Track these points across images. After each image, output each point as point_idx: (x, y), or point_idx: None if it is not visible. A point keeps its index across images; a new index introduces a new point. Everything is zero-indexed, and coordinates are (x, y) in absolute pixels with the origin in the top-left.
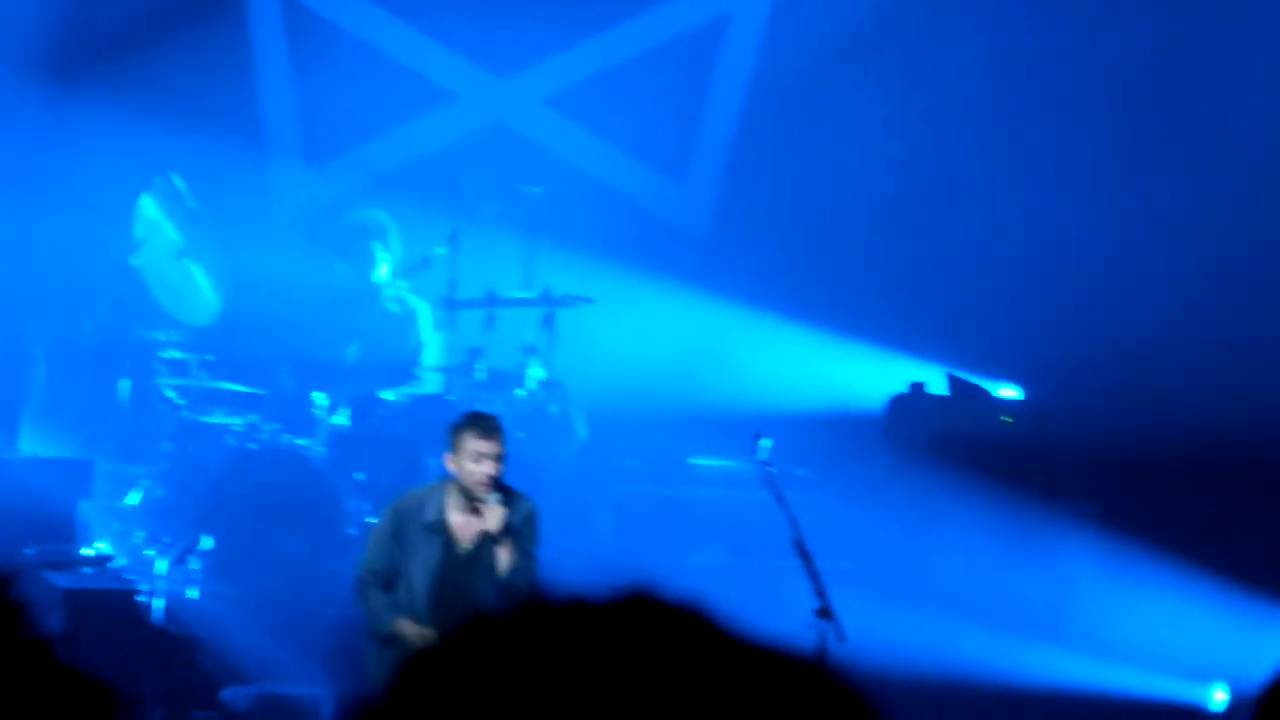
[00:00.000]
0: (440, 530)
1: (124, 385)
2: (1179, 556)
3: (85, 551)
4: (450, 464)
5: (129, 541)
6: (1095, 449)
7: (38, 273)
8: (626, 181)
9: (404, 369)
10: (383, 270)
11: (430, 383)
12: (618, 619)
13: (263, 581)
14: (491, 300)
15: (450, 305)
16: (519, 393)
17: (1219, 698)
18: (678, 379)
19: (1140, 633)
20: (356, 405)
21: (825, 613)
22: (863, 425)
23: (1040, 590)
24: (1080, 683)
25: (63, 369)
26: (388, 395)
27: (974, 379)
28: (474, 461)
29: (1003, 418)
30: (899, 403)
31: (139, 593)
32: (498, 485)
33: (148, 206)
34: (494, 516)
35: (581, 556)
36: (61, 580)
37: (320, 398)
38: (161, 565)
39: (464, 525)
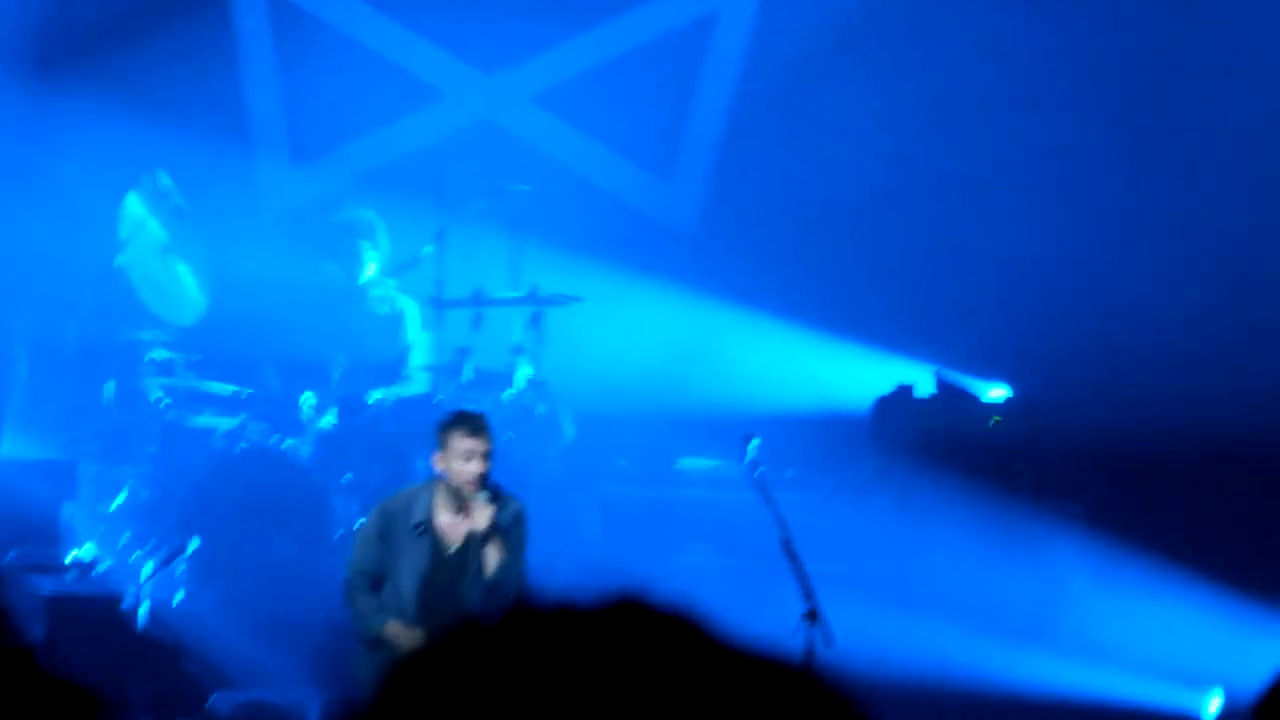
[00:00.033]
0: (428, 531)
1: (109, 386)
2: (1170, 558)
3: (69, 556)
4: (438, 463)
5: (114, 545)
6: (1084, 449)
7: (20, 272)
8: (614, 180)
9: (392, 369)
10: (370, 270)
11: (418, 383)
12: (606, 624)
13: (249, 584)
14: (479, 299)
15: (438, 305)
16: (507, 393)
17: (1214, 705)
18: (666, 379)
19: (1132, 637)
20: (344, 406)
21: (813, 615)
22: (851, 426)
23: (1029, 593)
24: (1071, 688)
25: (46, 370)
26: (376, 396)
27: (963, 377)
28: (462, 460)
29: (992, 419)
30: (885, 404)
31: (123, 598)
32: (486, 484)
33: (133, 205)
34: (482, 515)
35: (569, 557)
36: (45, 585)
37: (308, 398)
38: (147, 569)
39: (452, 526)
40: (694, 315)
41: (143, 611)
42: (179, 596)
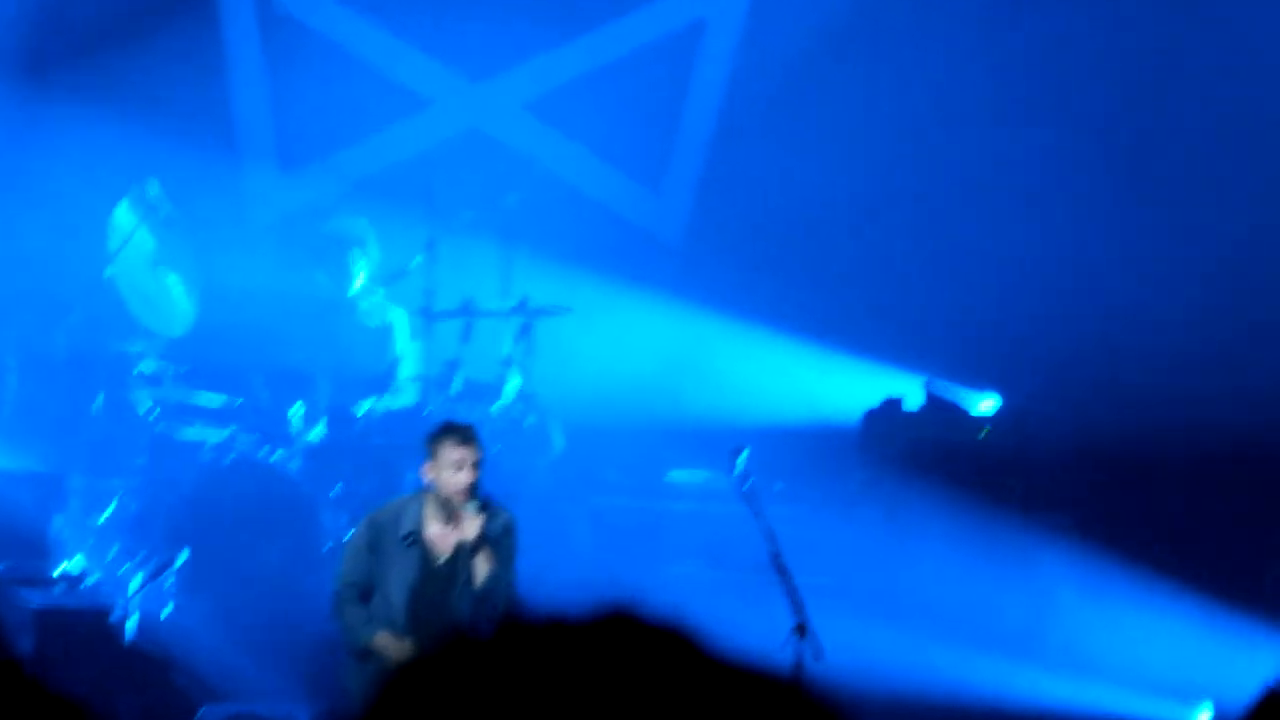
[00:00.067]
0: (417, 541)
1: (98, 398)
2: (1159, 570)
3: (58, 569)
4: (428, 473)
5: (102, 557)
6: (1073, 461)
7: (10, 283)
8: (603, 190)
9: (381, 380)
10: (360, 280)
11: (408, 394)
12: (598, 637)
13: (239, 597)
14: (469, 310)
15: (427, 315)
16: (496, 404)
17: (1203, 718)
18: (655, 391)
19: (1120, 649)
20: (333, 417)
21: (802, 629)
22: (840, 438)
23: (1018, 605)
24: (1060, 701)
25: (35, 381)
26: (365, 407)
27: (952, 388)
28: (452, 470)
29: (981, 430)
30: (874, 416)
31: (111, 611)
32: (475, 494)
33: (123, 216)
34: (471, 525)
35: (558, 569)
36: (33, 598)
37: (297, 410)
38: (136, 581)
39: (441, 536)
40: (683, 327)
41: (131, 624)
42: (168, 609)
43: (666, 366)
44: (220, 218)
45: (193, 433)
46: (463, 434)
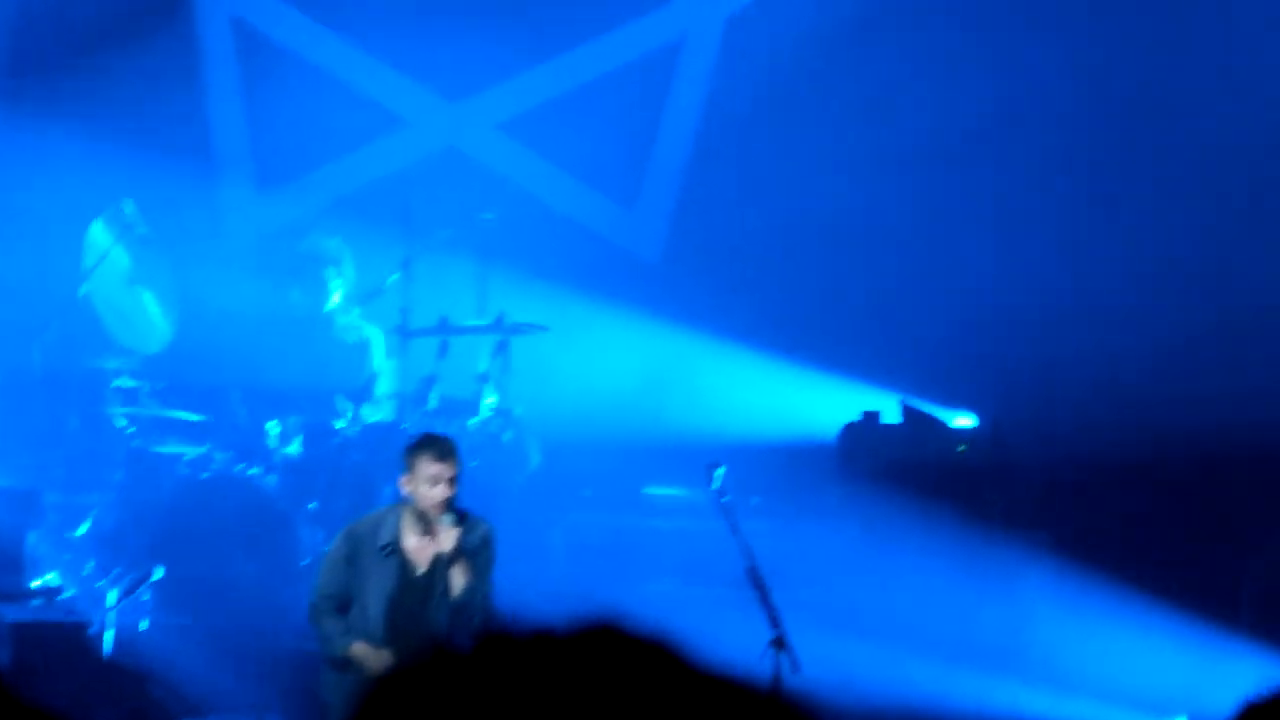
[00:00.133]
0: (395, 552)
1: (73, 414)
2: (1138, 585)
3: (34, 583)
4: (405, 486)
5: (79, 573)
6: (1050, 477)
7: None
8: (579, 208)
9: (358, 397)
10: (336, 298)
11: (384, 411)
12: (583, 650)
13: (215, 612)
14: (445, 328)
15: (403, 333)
16: (472, 421)
17: None
18: (631, 407)
19: (1098, 664)
20: (309, 434)
21: (780, 643)
22: (817, 454)
23: (997, 620)
24: (1038, 715)
25: (10, 398)
26: (341, 424)
27: (930, 406)
28: (428, 484)
29: (959, 447)
30: (852, 431)
31: (89, 625)
32: (452, 508)
33: (98, 233)
34: (448, 538)
35: (534, 585)
36: (10, 613)
37: (273, 426)
38: (112, 596)
39: (419, 549)
40: (659, 343)
41: (109, 638)
42: (144, 623)
43: (643, 383)
44: (196, 236)
45: (169, 448)
46: (440, 448)
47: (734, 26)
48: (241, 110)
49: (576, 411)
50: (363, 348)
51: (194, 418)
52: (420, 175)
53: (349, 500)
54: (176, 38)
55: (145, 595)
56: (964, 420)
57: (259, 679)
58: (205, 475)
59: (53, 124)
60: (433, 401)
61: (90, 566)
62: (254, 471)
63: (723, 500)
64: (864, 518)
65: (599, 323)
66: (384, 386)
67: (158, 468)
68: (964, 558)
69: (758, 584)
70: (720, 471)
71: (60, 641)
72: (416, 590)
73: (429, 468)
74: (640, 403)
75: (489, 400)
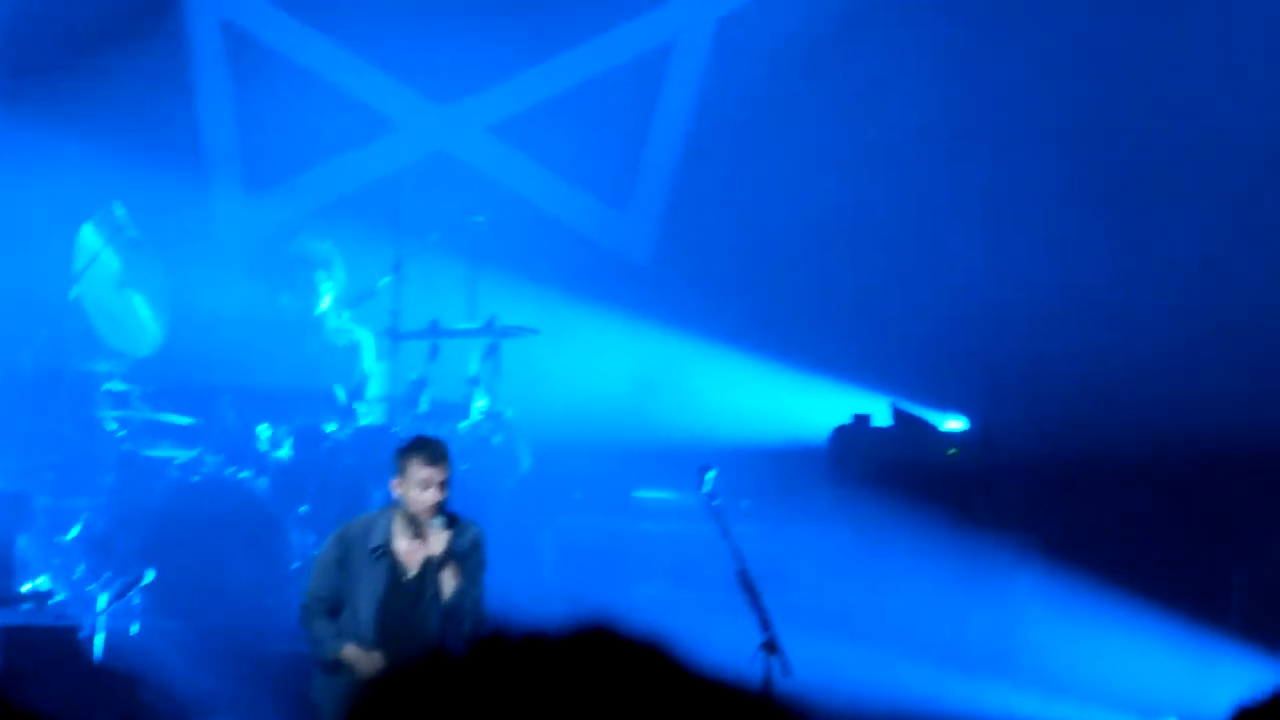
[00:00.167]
0: (386, 555)
1: (64, 418)
2: (1128, 588)
3: (24, 587)
4: (396, 489)
5: (69, 576)
6: (1041, 479)
7: None
8: (570, 211)
9: (348, 400)
10: (326, 301)
11: (374, 414)
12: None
13: (206, 616)
14: (435, 331)
15: (394, 336)
16: (463, 424)
17: None
18: (622, 410)
19: (1089, 667)
20: (300, 437)
21: (771, 646)
22: (808, 457)
23: (988, 623)
24: (1030, 718)
25: (0, 401)
26: (331, 427)
27: (920, 409)
28: (419, 488)
29: (949, 450)
30: (842, 434)
31: (79, 629)
32: (442, 511)
33: (88, 236)
34: (438, 541)
35: (525, 589)
36: (0, 617)
37: (263, 430)
38: (103, 600)
39: (410, 551)
40: (650, 346)
41: (99, 642)
42: (135, 627)
43: (634, 386)
44: (187, 238)
45: (159, 452)
46: (432, 453)
47: (724, 28)
48: (232, 113)
49: (567, 414)
50: (353, 350)
51: (185, 421)
52: (411, 178)
53: (340, 504)
54: (167, 40)
55: (136, 599)
56: (954, 423)
57: (250, 682)
58: (196, 479)
59: (42, 126)
60: (423, 405)
61: (81, 570)
62: (245, 475)
63: (713, 503)
64: (855, 521)
65: (590, 326)
66: (375, 389)
67: (148, 471)
68: (955, 561)
69: (748, 587)
70: (711, 474)
71: (50, 645)
72: (407, 593)
73: (420, 472)
74: (631, 406)
75: (479, 403)
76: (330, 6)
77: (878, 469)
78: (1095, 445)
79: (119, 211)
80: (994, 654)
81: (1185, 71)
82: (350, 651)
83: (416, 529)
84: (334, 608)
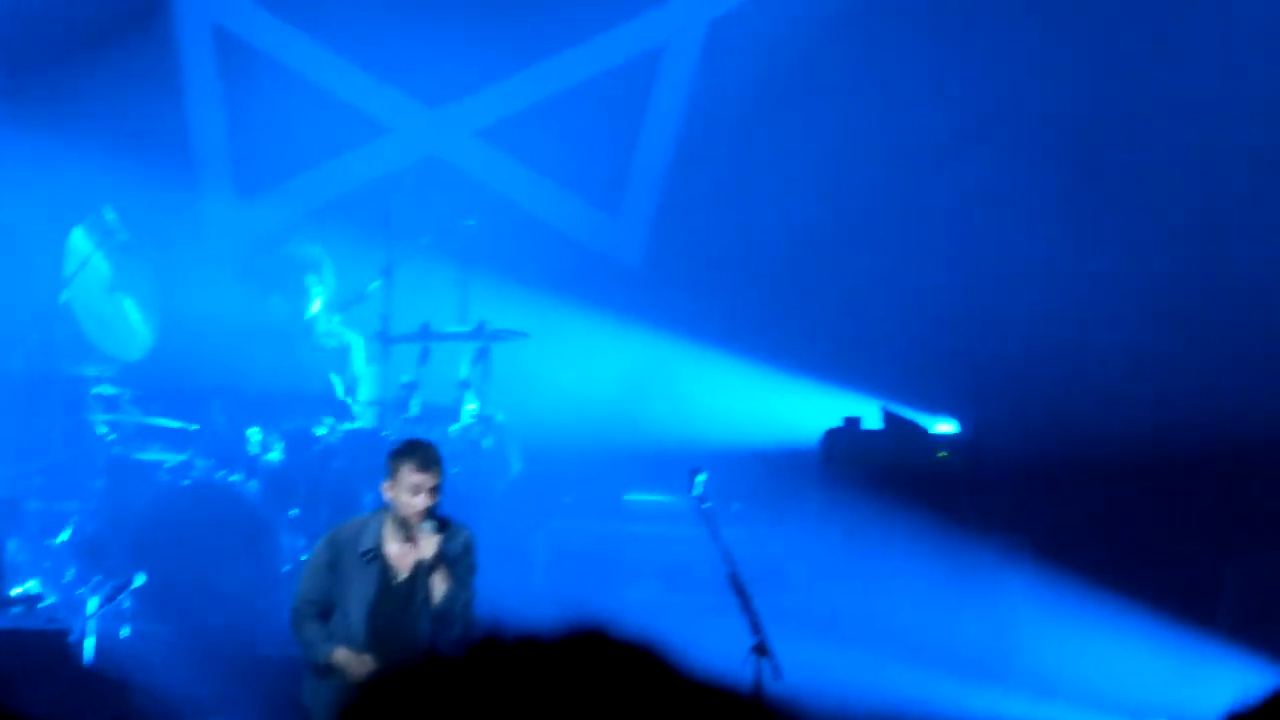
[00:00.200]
0: (377, 558)
1: (54, 421)
2: (1118, 590)
3: (14, 591)
4: (387, 491)
5: (59, 580)
6: (1032, 482)
7: None
8: (560, 215)
9: (339, 403)
10: (317, 305)
11: (365, 418)
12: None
13: (197, 619)
14: (426, 334)
15: (384, 339)
16: (453, 428)
17: None
18: (612, 414)
19: (1081, 669)
20: (290, 441)
21: (761, 649)
22: (798, 460)
23: (978, 625)
24: None
25: None
26: (322, 430)
27: (910, 412)
28: (410, 493)
29: (939, 453)
30: (833, 437)
31: (70, 632)
32: (434, 515)
33: (79, 240)
34: (428, 545)
35: (516, 592)
36: None
37: (254, 433)
38: (93, 604)
39: (400, 554)
40: (641, 350)
41: (89, 645)
42: (125, 631)
43: (624, 389)
44: (177, 242)
45: (150, 455)
46: (424, 458)
47: (715, 31)
48: (222, 117)
49: (558, 418)
50: (344, 354)
51: (175, 425)
52: (401, 182)
53: (330, 507)
54: (157, 44)
55: (126, 603)
56: (945, 426)
57: (240, 686)
58: (186, 482)
59: (33, 131)
60: (414, 408)
61: (71, 574)
62: (235, 478)
63: (704, 506)
64: (845, 523)
65: (580, 329)
66: (365, 393)
67: (139, 475)
68: (945, 563)
69: (739, 590)
70: (701, 477)
71: (40, 649)
72: (397, 597)
73: (411, 477)
74: (621, 409)
75: (470, 407)
76: (320, 10)
77: (868, 472)
78: (1085, 447)
79: (109, 215)
80: (984, 655)
81: (1171, 76)
82: (341, 655)
83: (407, 532)
84: (325, 611)
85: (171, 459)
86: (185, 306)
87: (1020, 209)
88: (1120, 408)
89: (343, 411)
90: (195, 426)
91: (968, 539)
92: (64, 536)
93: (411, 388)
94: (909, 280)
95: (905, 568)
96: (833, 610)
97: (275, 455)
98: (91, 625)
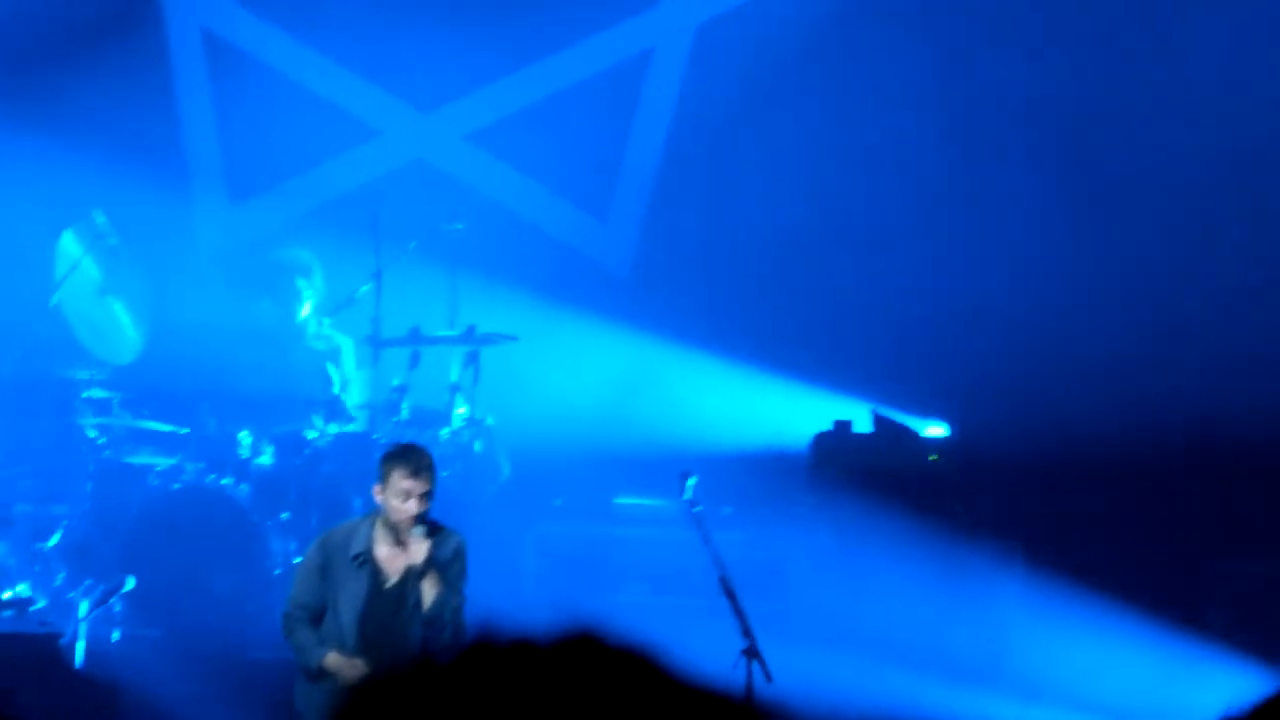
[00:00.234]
0: (367, 562)
1: (44, 425)
2: (1110, 593)
3: (4, 595)
4: (378, 495)
5: (50, 584)
6: (1023, 485)
7: None
8: (549, 219)
9: (329, 407)
10: (307, 308)
11: (356, 421)
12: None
13: (187, 623)
14: (416, 338)
15: (374, 343)
16: (444, 431)
17: None
18: (602, 417)
19: (1073, 674)
20: (281, 444)
21: (752, 652)
22: (789, 463)
23: (970, 629)
24: None
25: None
26: (312, 434)
27: (901, 415)
28: (400, 498)
29: (930, 456)
30: (823, 440)
31: (60, 636)
32: (424, 520)
33: (69, 244)
34: (419, 550)
35: (506, 596)
36: None
37: (244, 437)
38: (83, 607)
39: (391, 558)
40: (630, 354)
41: (79, 649)
42: (116, 634)
43: (614, 393)
44: (169, 248)
45: (140, 459)
46: (415, 464)
47: (704, 35)
48: (213, 121)
49: (548, 421)
50: (334, 357)
51: (165, 428)
52: (390, 185)
53: (321, 511)
54: (148, 49)
55: (117, 606)
56: (935, 429)
57: (232, 689)
58: (177, 486)
59: (23, 133)
60: (404, 412)
61: (61, 577)
62: (226, 482)
63: (694, 510)
64: (835, 527)
65: (570, 332)
66: (355, 397)
67: (129, 478)
68: (935, 566)
69: (730, 593)
70: (692, 481)
71: (31, 653)
72: (388, 601)
73: (401, 482)
74: (612, 412)
75: (460, 410)
76: (310, 14)
77: (859, 475)
78: (1075, 450)
79: (100, 219)
80: (974, 658)
81: (1168, 75)
82: (333, 659)
83: (398, 536)
84: (316, 615)
85: (162, 462)
86: (176, 310)
87: (1010, 212)
88: (1111, 411)
89: (336, 408)
90: (185, 430)
91: (958, 542)
92: (54, 540)
93: (402, 391)
94: (898, 283)
95: (896, 571)
96: (824, 614)
97: (266, 459)
98: (82, 629)
